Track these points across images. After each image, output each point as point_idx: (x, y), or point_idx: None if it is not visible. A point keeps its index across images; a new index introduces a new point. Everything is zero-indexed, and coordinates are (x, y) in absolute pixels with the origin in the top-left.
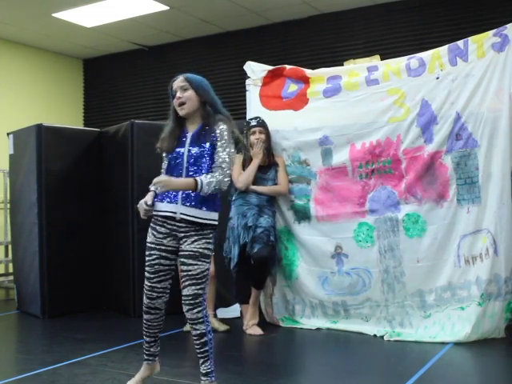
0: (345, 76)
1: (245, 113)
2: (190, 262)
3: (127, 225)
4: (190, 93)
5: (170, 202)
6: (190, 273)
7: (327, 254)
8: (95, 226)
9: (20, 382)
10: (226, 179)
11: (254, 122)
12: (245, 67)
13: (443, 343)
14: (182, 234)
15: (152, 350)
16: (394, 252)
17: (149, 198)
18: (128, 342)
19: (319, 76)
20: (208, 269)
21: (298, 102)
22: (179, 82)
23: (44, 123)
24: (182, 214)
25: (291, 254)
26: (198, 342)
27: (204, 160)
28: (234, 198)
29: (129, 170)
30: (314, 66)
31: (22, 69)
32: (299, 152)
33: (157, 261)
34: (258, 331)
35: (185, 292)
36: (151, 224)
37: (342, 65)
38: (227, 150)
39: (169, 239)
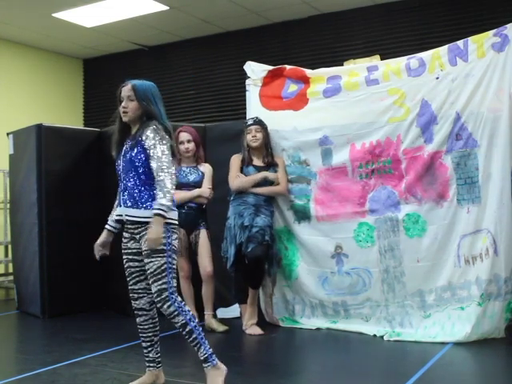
0: (345, 76)
1: (245, 113)
2: (146, 260)
3: None
4: (135, 104)
5: (120, 206)
6: (149, 271)
7: (327, 254)
8: (95, 225)
9: (20, 382)
10: (172, 174)
11: (250, 121)
12: (245, 67)
13: (443, 343)
14: (138, 236)
15: (151, 355)
16: (394, 252)
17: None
18: (128, 342)
19: (319, 76)
20: (166, 262)
21: (298, 102)
22: (127, 90)
23: (44, 123)
24: (126, 215)
25: (291, 254)
26: (183, 332)
27: (135, 165)
28: (231, 198)
29: None
30: (314, 66)
31: (21, 69)
32: (299, 152)
33: (127, 264)
34: (257, 331)
35: (152, 290)
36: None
37: (342, 65)
38: (157, 148)
39: (132, 242)
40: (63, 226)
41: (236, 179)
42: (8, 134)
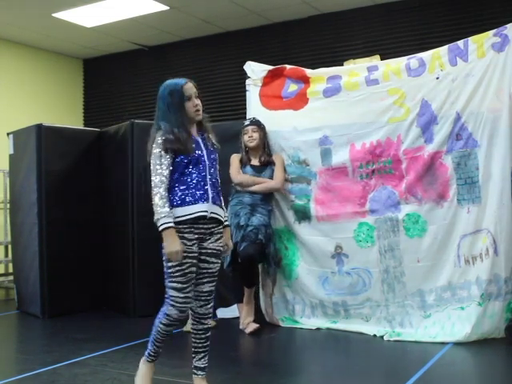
0: (345, 76)
1: (245, 113)
2: (213, 260)
3: (127, 225)
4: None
5: (202, 202)
6: (210, 270)
7: (327, 254)
8: (95, 225)
9: (20, 382)
10: None
11: (247, 122)
12: (245, 67)
13: (443, 343)
14: (207, 236)
15: (202, 361)
16: (394, 252)
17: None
18: (128, 342)
19: (319, 76)
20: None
21: (298, 101)
22: (193, 87)
23: (44, 123)
24: (212, 212)
25: (291, 254)
26: (203, 336)
27: (215, 164)
28: (230, 199)
29: (129, 170)
30: (314, 65)
31: (22, 69)
32: (299, 152)
33: (189, 269)
34: (253, 326)
35: (201, 288)
36: (178, 233)
37: (342, 65)
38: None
39: (196, 246)
40: (63, 226)
41: (240, 174)
42: (8, 134)
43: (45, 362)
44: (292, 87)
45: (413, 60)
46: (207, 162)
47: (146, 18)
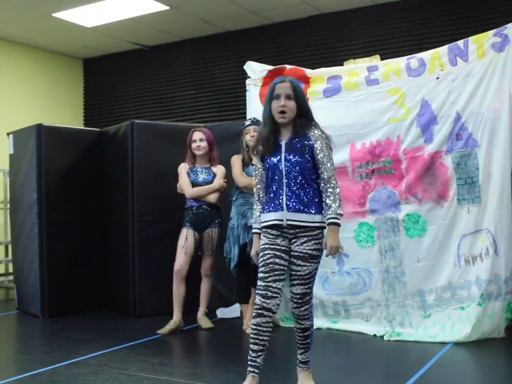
0: (345, 76)
1: (245, 113)
2: (300, 262)
3: (127, 225)
4: (293, 103)
5: (276, 211)
6: (298, 273)
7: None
8: (95, 226)
9: (20, 382)
10: (338, 184)
11: (248, 122)
12: (245, 67)
13: (443, 343)
14: (291, 236)
15: (258, 360)
16: (394, 252)
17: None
18: (128, 342)
19: (319, 76)
20: (316, 269)
21: None
22: (289, 88)
23: (44, 123)
24: (288, 220)
25: None
26: (301, 334)
27: (303, 167)
28: (234, 198)
29: (129, 170)
30: (314, 65)
31: (22, 69)
32: None
33: (271, 259)
34: None
35: (293, 290)
36: (261, 233)
37: (342, 65)
38: (327, 156)
39: (281, 239)
40: (63, 226)
41: (245, 177)
42: (8, 134)
43: (45, 362)
44: None
45: (413, 60)
46: (284, 168)
47: (146, 18)
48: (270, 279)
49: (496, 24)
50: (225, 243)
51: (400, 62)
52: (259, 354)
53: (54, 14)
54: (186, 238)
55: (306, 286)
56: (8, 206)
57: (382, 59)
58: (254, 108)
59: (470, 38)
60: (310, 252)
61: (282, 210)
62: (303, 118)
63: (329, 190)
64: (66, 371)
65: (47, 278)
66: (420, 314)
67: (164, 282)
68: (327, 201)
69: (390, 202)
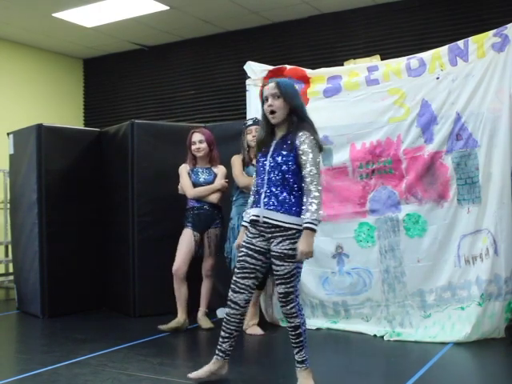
0: (345, 76)
1: (245, 113)
2: (277, 262)
3: (127, 225)
4: (281, 101)
5: (256, 207)
6: (278, 273)
7: (328, 254)
8: (95, 226)
9: (20, 382)
10: (320, 188)
11: (250, 122)
12: (245, 67)
13: (443, 343)
14: (269, 235)
15: (224, 346)
16: (394, 252)
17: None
18: (128, 342)
19: (319, 76)
20: (296, 267)
21: None
22: (274, 88)
23: (44, 123)
24: (264, 217)
25: None
26: (293, 333)
27: (285, 168)
28: (234, 198)
29: (129, 170)
30: (314, 66)
31: (22, 69)
32: None
33: (243, 257)
34: (258, 331)
35: (277, 290)
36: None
37: (342, 65)
38: (310, 159)
39: (258, 239)
40: (63, 226)
41: (245, 177)
42: (8, 134)
43: (45, 362)
44: None
45: (413, 60)
46: (267, 168)
47: (146, 18)
48: (239, 275)
49: (496, 24)
50: (225, 243)
51: (400, 62)
52: (225, 340)
53: (54, 14)
54: (187, 238)
55: (288, 286)
56: (8, 206)
57: (382, 59)
58: (254, 108)
59: (470, 38)
60: (285, 252)
61: (260, 206)
62: (295, 115)
63: (308, 193)
64: (66, 371)
65: (47, 278)
66: (420, 314)
67: (164, 282)
68: (305, 204)
69: (390, 202)
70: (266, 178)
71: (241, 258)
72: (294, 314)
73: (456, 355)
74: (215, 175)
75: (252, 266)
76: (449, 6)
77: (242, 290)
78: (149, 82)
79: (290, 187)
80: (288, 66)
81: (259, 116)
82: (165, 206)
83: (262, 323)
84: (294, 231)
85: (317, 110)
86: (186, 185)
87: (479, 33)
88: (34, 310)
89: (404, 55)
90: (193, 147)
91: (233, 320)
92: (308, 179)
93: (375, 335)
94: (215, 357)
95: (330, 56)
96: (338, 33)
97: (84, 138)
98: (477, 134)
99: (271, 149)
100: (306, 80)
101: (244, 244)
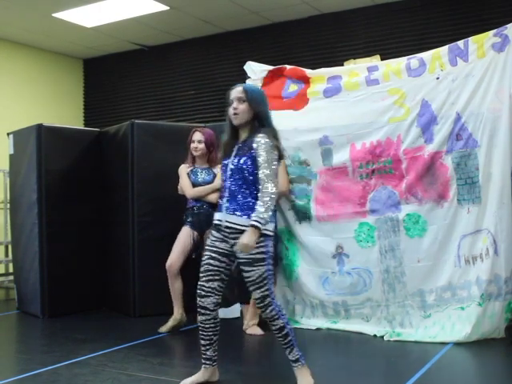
0: (345, 76)
1: None
2: (247, 268)
3: (127, 225)
4: (245, 105)
5: (220, 211)
6: (250, 279)
7: (328, 254)
8: (95, 226)
9: (20, 382)
10: (275, 190)
11: None
12: (245, 67)
13: (443, 343)
14: (233, 241)
15: (208, 353)
16: (394, 252)
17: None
18: (128, 342)
19: (319, 76)
20: (267, 270)
21: (298, 101)
22: (240, 92)
23: (44, 123)
24: (226, 221)
25: (291, 254)
26: (279, 334)
27: (246, 172)
28: None
29: (129, 170)
30: (314, 66)
31: (22, 69)
32: (299, 152)
33: (207, 261)
34: (258, 331)
35: (253, 296)
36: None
37: (342, 65)
38: (264, 161)
39: (222, 243)
40: (63, 226)
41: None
42: (8, 134)
43: (45, 362)
44: (292, 87)
45: (413, 60)
46: (228, 171)
47: (146, 18)
48: (203, 279)
49: (497, 24)
50: None
51: (400, 62)
52: (207, 347)
53: (54, 15)
54: (184, 236)
55: (263, 289)
56: (8, 206)
57: (382, 59)
58: None
59: (470, 38)
60: (252, 257)
61: (223, 211)
62: (258, 121)
63: (261, 194)
64: (66, 371)
65: (47, 278)
66: (420, 314)
67: (164, 282)
68: (256, 204)
69: (391, 202)
70: (228, 181)
71: (205, 262)
72: (276, 316)
73: (456, 355)
74: (215, 175)
75: (216, 269)
76: (449, 6)
77: (208, 294)
78: (149, 81)
79: (251, 191)
80: (288, 66)
81: None
82: (165, 205)
83: (262, 323)
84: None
85: (317, 109)
86: (185, 185)
87: (479, 33)
88: (34, 310)
89: (404, 55)
90: (191, 145)
91: (208, 326)
92: (261, 181)
93: (375, 335)
94: (203, 366)
95: (330, 56)
96: (338, 33)
97: (84, 138)
98: (477, 134)
99: (233, 153)
100: (305, 80)
101: (207, 248)
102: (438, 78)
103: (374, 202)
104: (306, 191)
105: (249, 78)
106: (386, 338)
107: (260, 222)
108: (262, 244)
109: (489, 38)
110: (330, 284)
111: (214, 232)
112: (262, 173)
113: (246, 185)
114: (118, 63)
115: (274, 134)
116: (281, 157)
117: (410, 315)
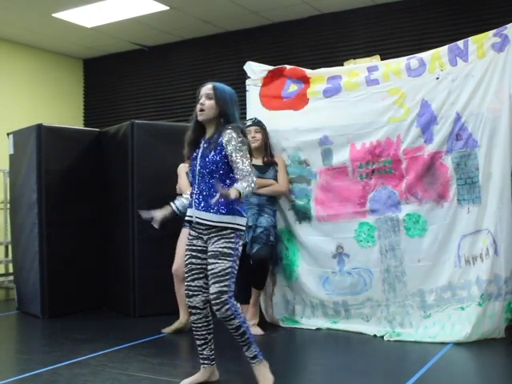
0: (345, 76)
1: (245, 113)
2: (212, 260)
3: (127, 225)
4: (212, 102)
5: (190, 207)
6: (212, 271)
7: (328, 254)
8: (95, 226)
9: (20, 382)
10: (253, 185)
11: (249, 122)
12: (245, 67)
13: (443, 343)
14: (206, 237)
15: (205, 353)
16: (394, 252)
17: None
18: (128, 342)
19: (319, 76)
20: (231, 266)
21: (298, 101)
22: (210, 89)
23: (44, 123)
24: (196, 217)
25: (291, 254)
26: (236, 333)
27: (214, 168)
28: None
29: (129, 170)
30: (314, 66)
31: (22, 69)
32: (299, 152)
33: (189, 260)
34: (258, 331)
35: (210, 291)
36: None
37: (342, 65)
38: (243, 159)
39: (198, 240)
40: (63, 226)
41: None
42: (8, 134)
43: (45, 362)
44: (292, 87)
45: (413, 60)
46: (197, 168)
47: (146, 18)
48: (189, 279)
49: (497, 24)
50: None
51: (400, 62)
52: (203, 347)
53: (54, 15)
54: (186, 238)
55: (222, 284)
56: (8, 206)
57: (382, 59)
58: (254, 108)
59: (469, 38)
60: (220, 250)
61: (193, 207)
62: (223, 119)
63: (242, 179)
64: (66, 371)
65: (47, 278)
66: (420, 314)
67: (164, 282)
68: (237, 183)
69: (391, 202)
70: (196, 178)
71: (187, 262)
72: (232, 316)
73: (456, 355)
74: None
75: (199, 267)
76: (449, 6)
77: (196, 292)
78: (149, 81)
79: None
80: (288, 66)
81: (259, 116)
82: (165, 205)
83: (262, 323)
84: (229, 231)
85: (317, 110)
86: (183, 185)
87: (479, 33)
88: (34, 310)
89: (404, 55)
90: None
91: (200, 325)
92: (240, 175)
93: (375, 335)
94: (202, 366)
95: (330, 56)
96: (338, 33)
97: (84, 138)
98: (477, 134)
99: (200, 150)
100: (305, 80)
101: (187, 247)
102: (437, 78)
103: (374, 202)
104: (306, 191)
105: (249, 77)
106: (386, 338)
107: (240, 192)
108: (231, 240)
109: (489, 38)
110: (331, 284)
111: (190, 231)
112: (241, 169)
113: (215, 180)
114: (118, 63)
115: (241, 130)
116: (250, 153)
117: (410, 315)
